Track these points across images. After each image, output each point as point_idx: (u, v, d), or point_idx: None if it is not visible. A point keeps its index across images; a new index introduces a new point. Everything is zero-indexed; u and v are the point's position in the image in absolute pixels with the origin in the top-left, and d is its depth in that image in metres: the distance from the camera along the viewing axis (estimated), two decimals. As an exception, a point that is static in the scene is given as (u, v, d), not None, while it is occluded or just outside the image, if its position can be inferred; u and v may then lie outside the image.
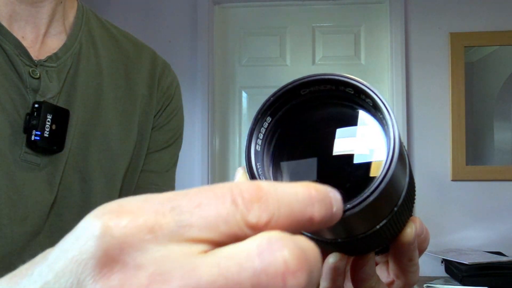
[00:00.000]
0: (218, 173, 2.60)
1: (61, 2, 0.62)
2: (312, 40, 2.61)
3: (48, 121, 0.55)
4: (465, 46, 2.45)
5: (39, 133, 0.55)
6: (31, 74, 0.57)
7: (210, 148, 2.53)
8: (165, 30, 2.57)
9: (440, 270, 2.30)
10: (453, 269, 2.15)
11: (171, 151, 0.74)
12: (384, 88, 2.54)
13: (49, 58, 0.59)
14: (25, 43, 0.59)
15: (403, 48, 2.46)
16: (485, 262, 2.06)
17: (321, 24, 2.62)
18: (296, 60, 2.61)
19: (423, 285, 2.12)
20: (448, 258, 2.18)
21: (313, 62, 2.61)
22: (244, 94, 2.64)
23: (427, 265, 2.40)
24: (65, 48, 0.62)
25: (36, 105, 0.56)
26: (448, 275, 2.24)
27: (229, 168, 2.62)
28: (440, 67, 2.46)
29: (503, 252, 2.28)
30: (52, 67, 0.59)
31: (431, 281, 2.20)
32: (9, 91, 0.56)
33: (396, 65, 2.47)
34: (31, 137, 0.55)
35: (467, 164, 2.41)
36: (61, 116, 0.57)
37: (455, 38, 2.44)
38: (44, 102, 0.56)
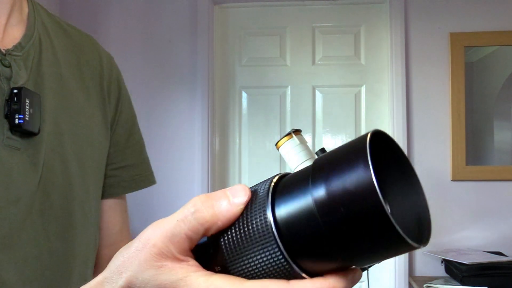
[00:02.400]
0: (218, 173, 2.60)
1: None
2: (312, 40, 2.61)
3: (27, 105, 0.57)
4: (465, 46, 2.45)
5: (21, 116, 0.56)
6: (3, 63, 0.58)
7: (210, 148, 2.53)
8: (165, 30, 2.57)
9: (440, 270, 2.30)
10: (453, 269, 2.16)
11: (136, 137, 0.77)
12: (384, 88, 2.54)
13: (15, 47, 0.60)
14: None
15: (403, 48, 2.47)
16: (485, 262, 2.06)
17: (321, 24, 2.62)
18: (296, 60, 2.61)
19: (423, 285, 2.12)
20: (448, 258, 2.18)
21: (313, 62, 2.61)
22: (244, 94, 2.64)
23: (427, 265, 2.40)
24: (26, 37, 0.62)
25: (15, 91, 0.57)
26: (448, 275, 2.24)
27: (229, 168, 2.62)
28: (440, 67, 2.46)
29: (503, 252, 2.28)
30: (18, 56, 0.60)
31: (431, 281, 2.20)
32: None
33: (396, 65, 2.47)
34: (14, 121, 0.56)
35: (467, 164, 2.41)
36: (36, 101, 0.59)
37: (455, 38, 2.44)
38: (22, 87, 0.57)
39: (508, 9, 2.44)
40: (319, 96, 2.59)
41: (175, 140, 2.56)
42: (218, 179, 2.60)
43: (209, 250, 0.36)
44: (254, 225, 0.34)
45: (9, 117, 0.56)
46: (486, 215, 2.40)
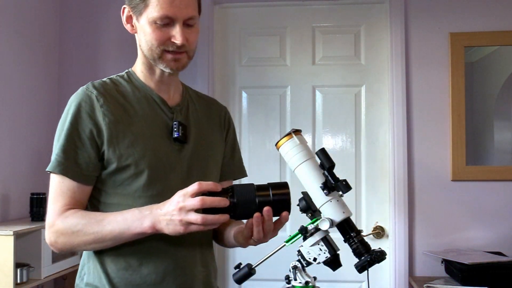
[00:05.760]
0: (218, 173, 2.60)
1: (176, 76, 1.28)
2: (312, 40, 2.61)
3: (179, 128, 1.20)
4: (465, 46, 2.45)
5: (178, 133, 1.19)
6: (170, 111, 1.23)
7: (210, 148, 2.53)
8: (165, 30, 2.56)
9: (440, 270, 2.30)
10: (453, 269, 2.16)
11: (237, 149, 1.49)
12: (384, 88, 2.54)
13: (177, 105, 1.26)
14: (165, 98, 1.24)
15: (403, 48, 2.47)
16: (485, 262, 2.06)
17: (321, 24, 2.62)
18: (296, 60, 2.62)
19: (423, 285, 2.12)
20: (448, 258, 2.18)
21: (313, 62, 2.61)
22: (244, 94, 2.64)
23: (427, 265, 2.40)
24: (181, 101, 1.28)
25: (175, 122, 1.20)
26: (448, 275, 2.24)
27: (229, 168, 2.62)
28: (440, 67, 2.46)
29: (503, 252, 2.28)
30: (177, 108, 1.25)
31: (431, 281, 2.20)
32: (165, 119, 1.22)
33: (396, 65, 2.47)
34: (173, 135, 1.19)
35: (467, 164, 2.41)
36: (184, 127, 1.22)
37: (455, 38, 2.44)
38: (177, 120, 1.21)
39: (508, 9, 2.44)
40: (319, 96, 2.59)
41: (175, 140, 2.55)
42: (218, 179, 2.60)
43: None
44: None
45: (171, 133, 1.19)
46: (486, 215, 2.40)
